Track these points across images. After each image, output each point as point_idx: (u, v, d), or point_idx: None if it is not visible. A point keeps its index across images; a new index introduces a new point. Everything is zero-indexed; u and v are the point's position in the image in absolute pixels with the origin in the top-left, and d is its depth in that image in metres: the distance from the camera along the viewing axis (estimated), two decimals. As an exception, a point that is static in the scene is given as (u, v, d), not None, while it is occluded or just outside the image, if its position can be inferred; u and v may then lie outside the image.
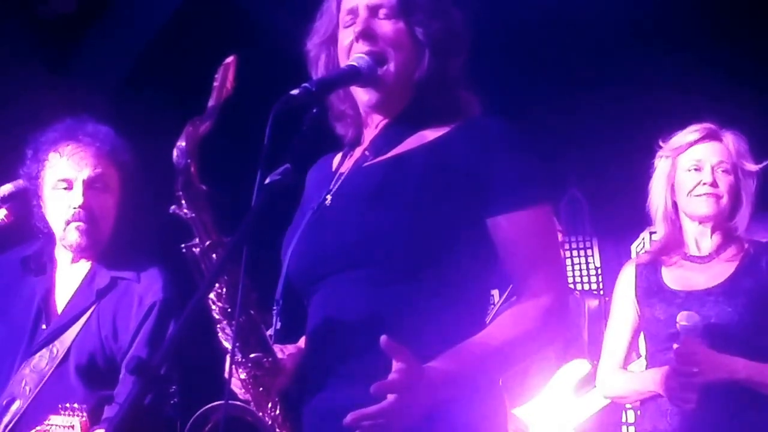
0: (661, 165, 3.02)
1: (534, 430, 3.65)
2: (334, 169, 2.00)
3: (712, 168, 2.90)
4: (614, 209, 4.80)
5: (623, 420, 4.43)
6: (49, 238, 2.74)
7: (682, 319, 2.68)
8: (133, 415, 1.42)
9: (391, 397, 1.55)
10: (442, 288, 1.75)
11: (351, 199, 1.85)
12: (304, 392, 1.79)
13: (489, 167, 1.78)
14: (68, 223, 2.65)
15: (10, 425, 2.55)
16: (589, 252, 5.03)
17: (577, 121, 4.78)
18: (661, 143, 3.03)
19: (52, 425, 2.42)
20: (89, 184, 2.65)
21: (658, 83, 4.31)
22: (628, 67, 4.56)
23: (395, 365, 1.57)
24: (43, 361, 2.61)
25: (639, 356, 3.48)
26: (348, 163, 1.96)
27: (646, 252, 3.11)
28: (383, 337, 1.56)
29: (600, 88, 4.64)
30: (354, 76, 1.84)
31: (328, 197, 1.89)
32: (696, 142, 2.95)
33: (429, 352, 1.65)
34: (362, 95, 1.89)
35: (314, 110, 1.80)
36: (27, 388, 2.59)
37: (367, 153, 1.92)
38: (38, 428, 2.44)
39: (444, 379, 1.62)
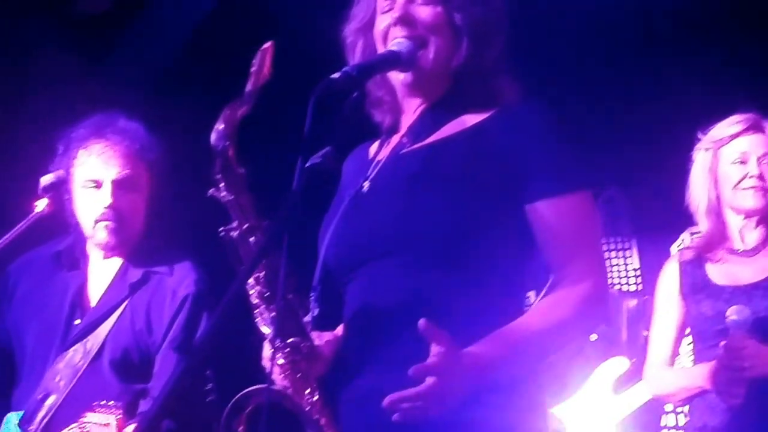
0: (701, 158, 2.96)
1: (572, 429, 3.60)
2: (371, 156, 1.98)
3: (758, 160, 2.84)
4: (654, 209, 4.72)
5: (663, 423, 4.35)
6: (81, 232, 2.74)
7: (733, 313, 2.63)
8: (177, 395, 1.41)
9: (429, 380, 1.53)
10: (479, 275, 1.73)
11: (389, 186, 1.83)
12: (342, 378, 1.77)
13: (528, 153, 1.76)
14: (97, 222, 2.65)
15: (45, 420, 2.56)
16: (627, 253, 4.96)
17: (613, 118, 4.72)
18: (700, 135, 2.98)
19: (87, 422, 2.41)
20: (118, 184, 2.65)
21: (693, 77, 4.24)
22: (662, 61, 4.49)
23: (434, 349, 1.55)
24: (77, 355, 2.62)
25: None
26: (385, 150, 1.94)
27: (689, 248, 3.05)
28: (422, 321, 1.55)
29: (635, 85, 4.59)
30: (394, 61, 1.82)
31: (366, 184, 1.88)
32: (740, 133, 2.89)
33: (465, 339, 1.62)
34: (398, 75, 1.87)
35: (354, 94, 1.80)
36: (61, 383, 2.59)
37: (404, 140, 1.90)
38: (73, 425, 2.44)
39: (482, 364, 1.61)
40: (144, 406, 2.59)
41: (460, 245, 1.72)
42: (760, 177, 2.82)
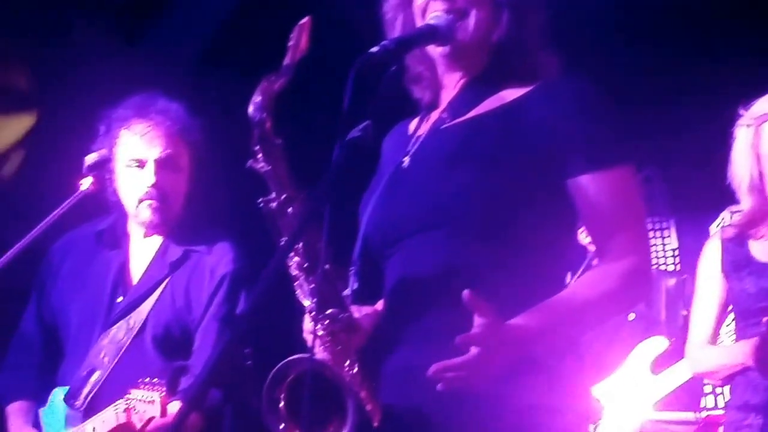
0: (743, 134, 2.92)
1: (610, 409, 3.59)
2: (411, 132, 1.98)
3: None
4: (692, 188, 4.67)
5: (702, 405, 4.31)
6: (122, 211, 2.79)
7: None
8: (222, 365, 1.43)
9: (473, 350, 1.55)
10: (519, 250, 1.73)
11: (429, 162, 1.84)
12: (382, 352, 1.79)
13: (569, 127, 1.75)
14: (141, 201, 2.69)
15: (91, 395, 2.61)
16: (666, 233, 4.91)
17: (650, 96, 4.67)
18: (741, 111, 2.94)
19: (132, 399, 2.45)
20: (161, 164, 2.68)
21: (733, 52, 4.17)
22: (701, 36, 4.43)
23: (477, 320, 1.57)
24: (120, 332, 2.67)
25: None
26: (425, 126, 1.94)
27: (730, 225, 3.02)
28: (466, 292, 1.57)
29: (672, 61, 4.52)
30: (432, 35, 1.82)
31: (406, 159, 1.88)
32: None
33: (505, 313, 1.63)
34: (437, 48, 1.86)
35: (393, 68, 1.81)
36: (105, 359, 2.64)
37: (444, 115, 1.90)
38: (120, 401, 2.48)
39: (525, 336, 1.62)
40: (185, 383, 2.63)
41: (499, 220, 1.72)
42: None
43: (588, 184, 1.74)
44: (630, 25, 4.46)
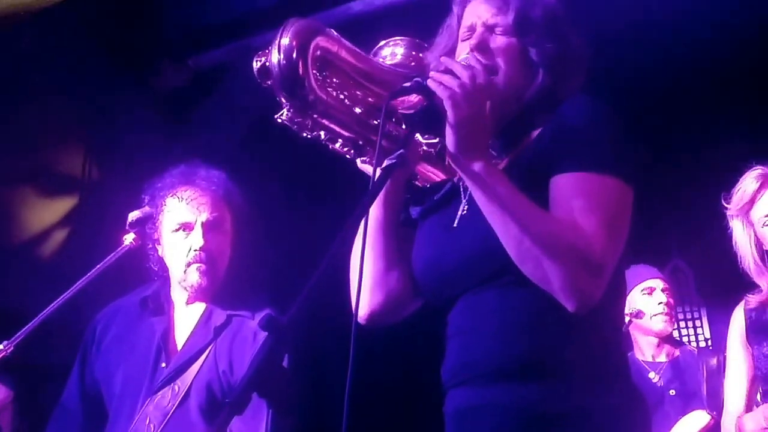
0: (736, 226, 3.00)
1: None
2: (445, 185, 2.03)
3: None
4: (721, 277, 4.67)
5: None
6: (165, 280, 2.84)
7: None
8: (266, 371, 1.44)
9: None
10: None
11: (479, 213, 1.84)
12: (447, 394, 1.86)
13: (570, 133, 1.78)
14: (189, 264, 2.73)
15: None
16: (697, 323, 4.91)
17: (676, 188, 4.75)
18: (725, 204, 3.00)
19: None
20: (208, 227, 2.74)
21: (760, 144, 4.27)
22: (726, 129, 4.54)
23: None
24: (165, 399, 2.67)
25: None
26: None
27: (753, 294, 3.06)
28: None
29: (696, 153, 4.62)
30: None
31: (461, 212, 1.92)
32: (758, 192, 2.94)
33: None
34: None
35: (426, 104, 1.89)
36: (151, 426, 2.63)
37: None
38: None
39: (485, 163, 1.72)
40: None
41: None
42: None
43: (562, 181, 1.73)
44: (657, 121, 4.57)
